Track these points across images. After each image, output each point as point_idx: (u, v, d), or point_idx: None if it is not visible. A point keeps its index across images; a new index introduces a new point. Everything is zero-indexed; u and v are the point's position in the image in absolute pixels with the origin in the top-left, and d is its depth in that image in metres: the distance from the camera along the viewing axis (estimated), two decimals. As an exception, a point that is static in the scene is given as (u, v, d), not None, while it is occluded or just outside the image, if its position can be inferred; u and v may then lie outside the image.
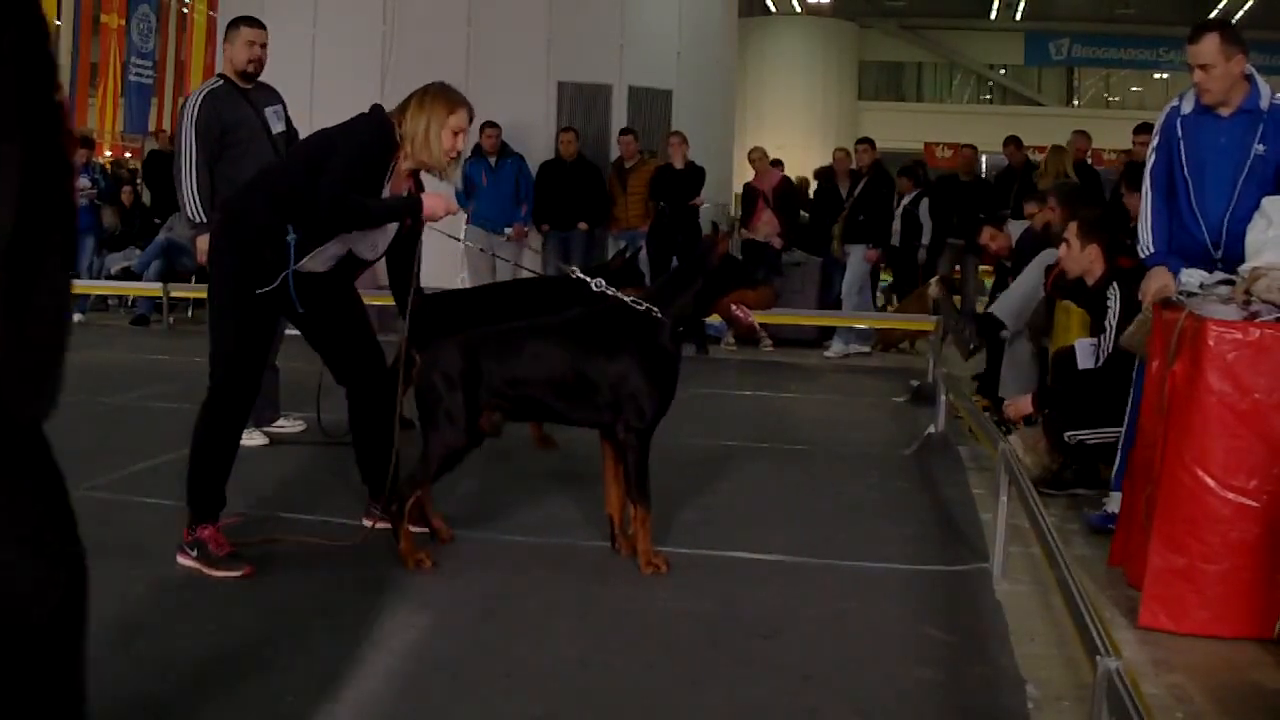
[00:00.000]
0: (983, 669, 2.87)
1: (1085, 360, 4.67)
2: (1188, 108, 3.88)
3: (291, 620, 3.07)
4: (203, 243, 4.76)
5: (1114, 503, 4.02)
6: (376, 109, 3.56)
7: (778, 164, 10.17)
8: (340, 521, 3.95)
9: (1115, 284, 4.52)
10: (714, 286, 3.59)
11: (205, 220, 4.91)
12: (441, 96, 3.52)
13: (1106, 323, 4.50)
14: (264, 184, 3.60)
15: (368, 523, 3.85)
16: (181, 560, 3.43)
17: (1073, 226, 4.83)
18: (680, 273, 3.96)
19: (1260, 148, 3.70)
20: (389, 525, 3.76)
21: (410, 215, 3.56)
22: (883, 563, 3.72)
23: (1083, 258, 4.77)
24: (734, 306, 3.63)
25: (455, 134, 3.51)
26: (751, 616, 3.21)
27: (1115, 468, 4.09)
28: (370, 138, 3.45)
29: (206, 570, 3.38)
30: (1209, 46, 3.72)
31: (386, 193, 3.51)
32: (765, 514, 4.30)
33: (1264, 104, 3.73)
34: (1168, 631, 3.10)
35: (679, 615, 3.19)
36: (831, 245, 9.54)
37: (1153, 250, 3.95)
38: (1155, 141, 3.99)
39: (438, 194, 3.59)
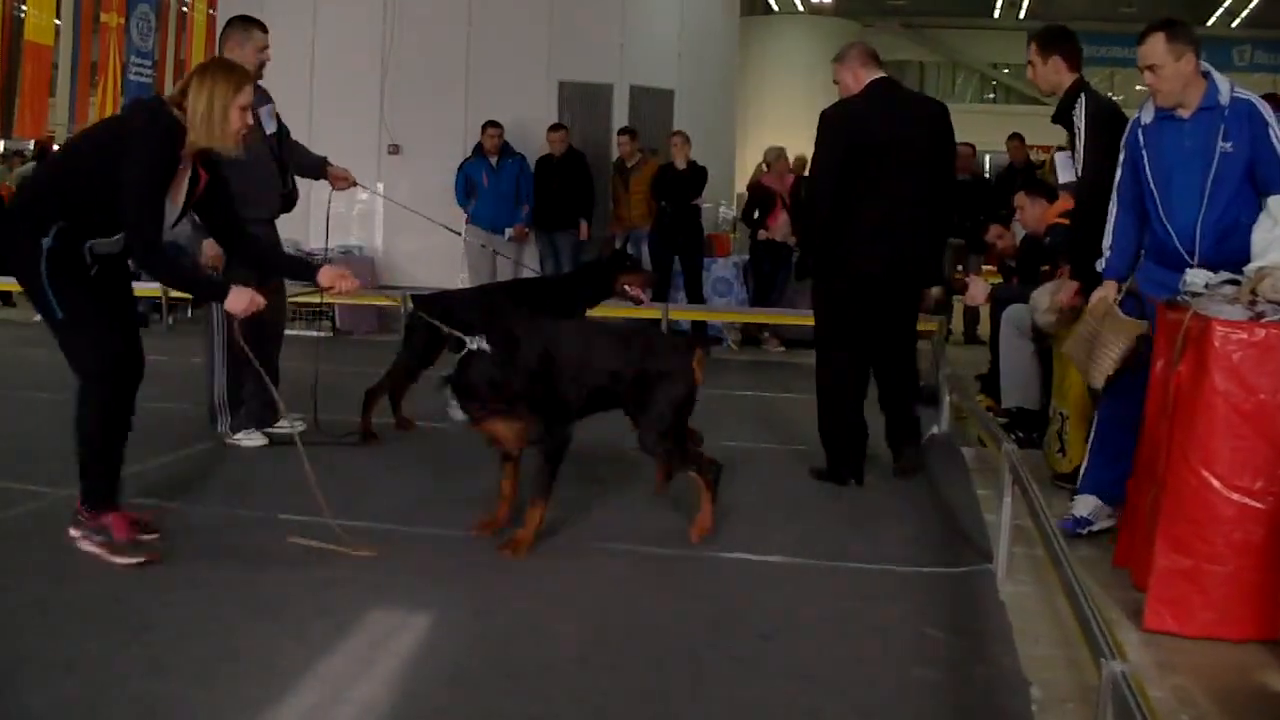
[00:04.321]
0: (986, 670, 2.86)
1: (1065, 174, 4.58)
2: (1147, 117, 3.81)
3: (291, 620, 3.06)
4: (210, 246, 4.79)
5: (1080, 506, 4.00)
6: (156, 102, 3.53)
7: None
8: (340, 522, 3.93)
9: (1083, 93, 4.39)
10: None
11: None
12: (225, 73, 3.48)
13: (1076, 128, 4.34)
14: (54, 183, 3.53)
15: (74, 532, 3.58)
16: (84, 546, 3.45)
17: (1032, 46, 4.59)
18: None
19: (1226, 145, 3.61)
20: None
21: (214, 300, 3.68)
22: (885, 563, 3.71)
23: (1048, 72, 4.54)
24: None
25: (243, 110, 3.48)
26: (751, 616, 3.20)
27: (1083, 471, 4.05)
28: (158, 137, 3.40)
29: (108, 556, 3.41)
30: (1156, 46, 3.65)
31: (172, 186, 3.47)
32: (765, 514, 4.29)
33: (1224, 99, 3.63)
34: (1173, 634, 3.08)
35: (679, 615, 3.18)
36: None
37: (1105, 266, 3.99)
38: (1121, 156, 3.93)
39: (245, 291, 3.55)
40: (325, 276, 3.76)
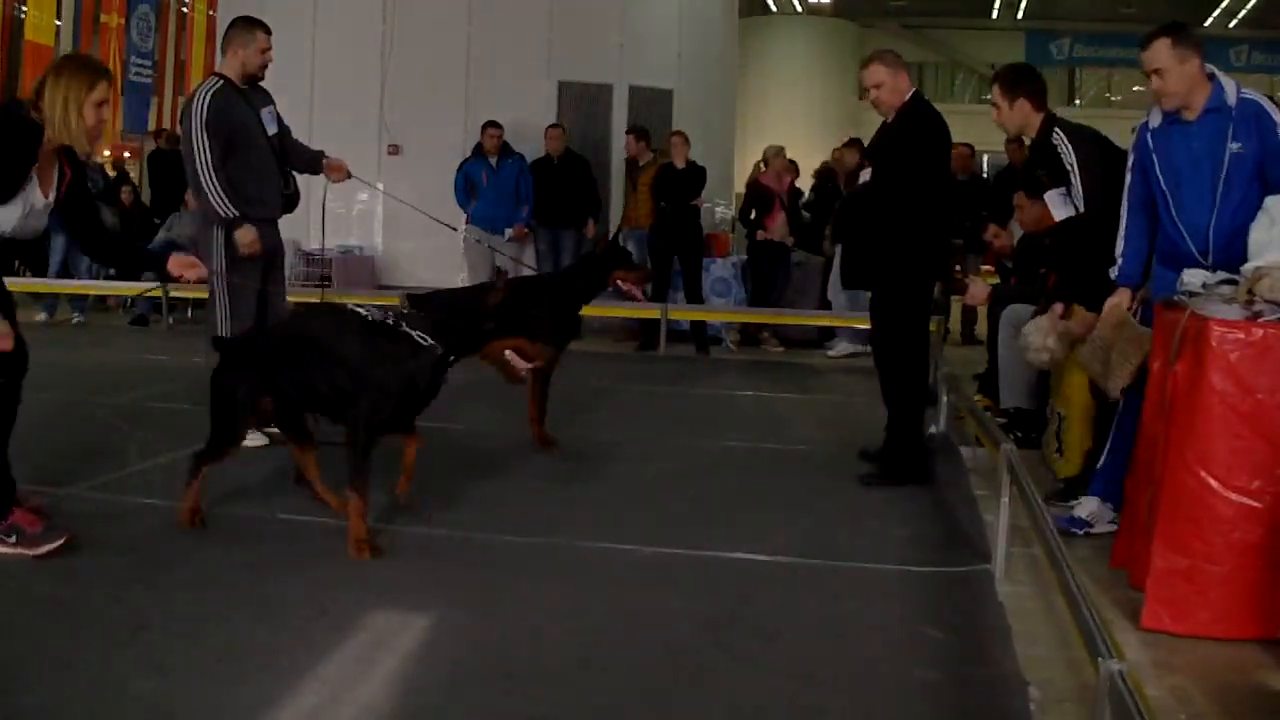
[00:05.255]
0: (984, 670, 2.87)
1: (1060, 211, 4.60)
2: (1155, 121, 3.82)
3: (291, 620, 3.06)
4: (245, 234, 4.95)
5: (1082, 507, 4.00)
6: (11, 103, 3.55)
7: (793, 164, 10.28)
8: (340, 522, 3.94)
9: (1056, 129, 4.47)
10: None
11: (239, 214, 4.95)
12: (79, 71, 3.47)
13: (1068, 166, 4.42)
14: None
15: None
16: (1, 550, 3.44)
17: (995, 89, 4.73)
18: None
19: (1235, 146, 3.61)
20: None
21: None
22: (883, 563, 3.71)
23: (1015, 115, 4.67)
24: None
25: (98, 107, 3.47)
26: (751, 616, 3.20)
27: (1097, 472, 4.04)
28: (7, 137, 3.40)
29: (28, 552, 3.41)
30: (1160, 51, 3.65)
31: (34, 180, 3.46)
32: (765, 514, 4.29)
33: (1230, 100, 3.63)
34: (1170, 633, 3.09)
35: (679, 615, 3.18)
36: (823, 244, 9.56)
37: (1119, 272, 4.00)
38: (1130, 161, 3.94)
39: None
40: (173, 265, 3.79)
